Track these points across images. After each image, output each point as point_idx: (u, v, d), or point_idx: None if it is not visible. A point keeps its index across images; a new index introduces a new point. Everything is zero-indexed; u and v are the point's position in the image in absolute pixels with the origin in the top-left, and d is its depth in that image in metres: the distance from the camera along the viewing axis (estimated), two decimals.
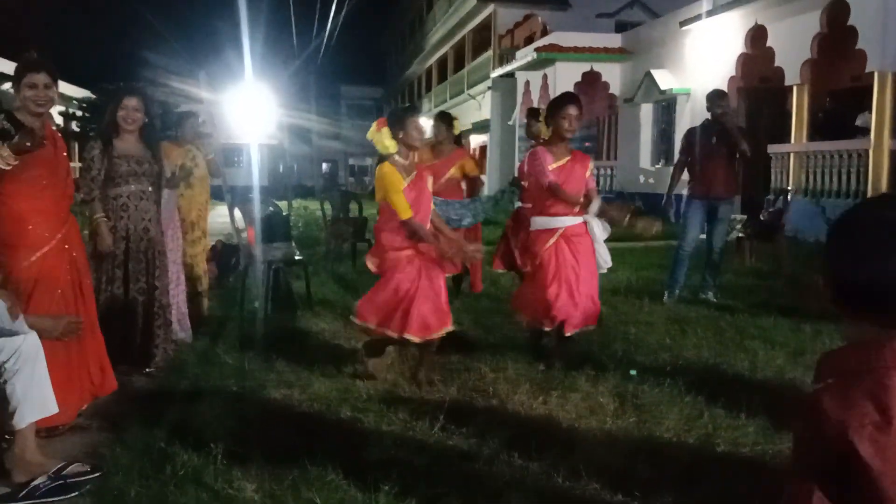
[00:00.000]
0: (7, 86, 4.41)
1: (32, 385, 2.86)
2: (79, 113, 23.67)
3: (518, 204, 6.32)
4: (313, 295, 6.44)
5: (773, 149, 12.43)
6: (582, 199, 4.37)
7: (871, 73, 10.27)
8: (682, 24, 15.01)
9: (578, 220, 4.33)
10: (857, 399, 1.13)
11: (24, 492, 2.77)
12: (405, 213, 3.85)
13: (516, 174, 6.83)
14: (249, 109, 24.35)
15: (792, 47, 11.80)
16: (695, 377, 4.06)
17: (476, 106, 26.17)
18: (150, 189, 4.42)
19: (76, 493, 2.79)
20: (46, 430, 3.29)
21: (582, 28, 19.14)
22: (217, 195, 6.67)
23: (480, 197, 6.77)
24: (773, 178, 12.32)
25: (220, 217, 8.77)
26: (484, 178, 23.93)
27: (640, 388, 3.95)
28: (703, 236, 6.77)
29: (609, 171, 18.19)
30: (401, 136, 3.88)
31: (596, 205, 4.38)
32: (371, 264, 4.04)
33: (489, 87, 24.29)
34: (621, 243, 8.80)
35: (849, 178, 10.73)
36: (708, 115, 6.63)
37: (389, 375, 4.27)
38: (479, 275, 6.69)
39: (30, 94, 3.42)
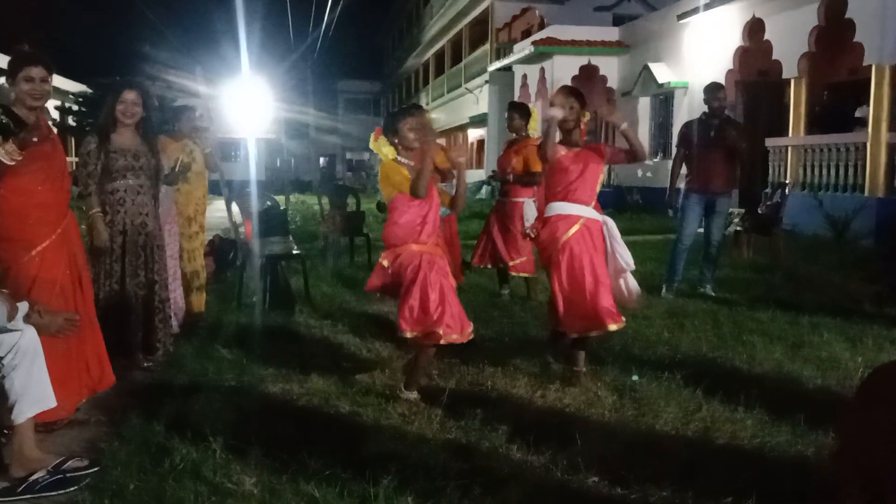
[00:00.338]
0: (1, 80, 4.39)
1: (31, 380, 2.86)
2: (75, 107, 23.60)
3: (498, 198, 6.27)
4: (311, 289, 6.43)
5: (770, 142, 12.43)
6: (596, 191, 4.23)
7: (869, 67, 10.27)
8: (680, 17, 15.00)
9: (597, 216, 4.19)
10: None
11: (22, 486, 2.77)
12: (406, 185, 3.71)
13: (496, 168, 6.74)
14: (247, 104, 24.32)
15: (790, 40, 11.79)
16: (693, 371, 4.06)
17: (473, 100, 26.13)
18: (148, 183, 4.40)
19: (75, 487, 2.78)
20: (45, 426, 3.28)
21: (579, 21, 19.14)
22: (214, 190, 6.65)
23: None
24: (770, 171, 12.33)
25: (217, 212, 8.76)
26: (481, 172, 24.04)
27: (638, 382, 3.96)
28: (701, 230, 6.78)
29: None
30: (395, 140, 3.85)
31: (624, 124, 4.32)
32: (385, 260, 3.88)
33: (486, 81, 24.27)
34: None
35: (846, 171, 10.74)
36: (706, 109, 6.64)
37: (387, 370, 4.27)
38: (459, 265, 6.49)
39: (27, 88, 3.40)
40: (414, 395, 3.75)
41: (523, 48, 19.35)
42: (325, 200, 9.71)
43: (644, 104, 17.33)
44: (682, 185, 6.79)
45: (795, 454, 3.09)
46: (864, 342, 4.84)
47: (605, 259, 4.14)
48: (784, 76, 12.10)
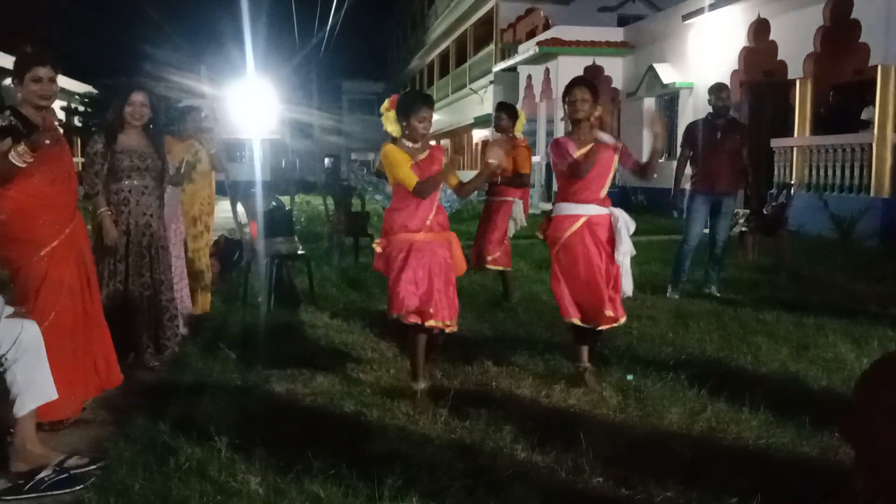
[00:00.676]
0: (7, 81, 4.40)
1: (32, 374, 2.88)
2: (81, 108, 23.65)
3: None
4: (316, 289, 6.44)
5: (776, 143, 12.40)
6: (607, 184, 4.22)
7: (875, 67, 10.24)
8: (685, 17, 14.97)
9: (604, 210, 4.14)
10: None
11: (29, 485, 2.77)
12: (411, 182, 3.73)
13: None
14: (251, 104, 24.35)
15: (795, 41, 11.76)
16: (698, 371, 4.05)
17: (478, 100, 26.11)
18: (153, 184, 4.42)
19: (81, 486, 2.79)
20: (50, 425, 3.30)
21: (584, 22, 19.12)
22: (220, 190, 6.66)
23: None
24: (776, 172, 12.30)
25: (222, 212, 8.78)
26: None
27: (643, 382, 3.96)
28: (707, 231, 6.77)
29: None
30: (404, 125, 3.85)
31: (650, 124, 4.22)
32: (377, 246, 3.90)
33: (491, 82, 24.25)
34: None
35: (852, 172, 10.70)
36: (710, 109, 6.63)
37: (392, 370, 4.28)
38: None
39: (35, 88, 3.41)
40: (422, 385, 3.76)
41: (528, 49, 19.33)
42: (329, 201, 9.74)
43: (649, 105, 17.29)
44: (686, 185, 6.78)
45: (800, 455, 3.08)
46: (869, 343, 4.82)
47: (612, 251, 4.12)
48: (789, 77, 12.07)
